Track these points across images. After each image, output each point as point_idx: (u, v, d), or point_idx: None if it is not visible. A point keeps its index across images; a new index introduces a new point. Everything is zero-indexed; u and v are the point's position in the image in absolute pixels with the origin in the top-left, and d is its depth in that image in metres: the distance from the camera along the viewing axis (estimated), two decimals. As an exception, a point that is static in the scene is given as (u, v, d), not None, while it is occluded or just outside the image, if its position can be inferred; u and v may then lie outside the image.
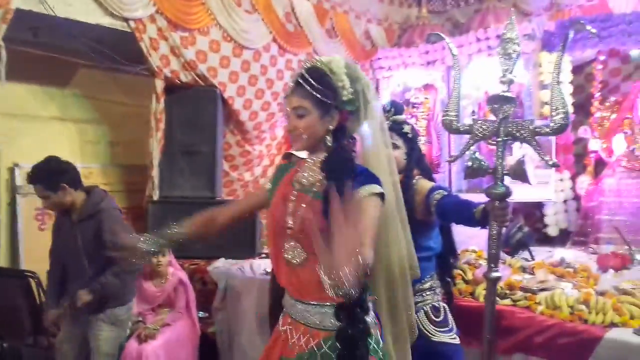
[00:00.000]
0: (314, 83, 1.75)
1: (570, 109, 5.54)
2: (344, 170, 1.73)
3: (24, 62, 3.98)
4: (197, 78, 4.84)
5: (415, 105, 6.22)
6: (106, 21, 4.16)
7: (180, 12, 4.59)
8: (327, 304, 1.74)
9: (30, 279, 3.61)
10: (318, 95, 1.75)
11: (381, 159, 1.91)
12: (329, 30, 6.11)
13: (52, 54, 4.23)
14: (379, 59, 6.54)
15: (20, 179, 4.42)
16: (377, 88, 6.57)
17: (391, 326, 1.98)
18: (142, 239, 2.00)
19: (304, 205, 1.78)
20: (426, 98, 6.26)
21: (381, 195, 1.72)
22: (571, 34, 2.32)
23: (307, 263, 1.76)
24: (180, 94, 4.84)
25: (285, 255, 1.81)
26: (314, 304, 1.78)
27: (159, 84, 4.58)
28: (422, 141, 6.01)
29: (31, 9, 3.73)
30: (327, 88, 1.76)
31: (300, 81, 1.77)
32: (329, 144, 1.80)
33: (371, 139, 1.90)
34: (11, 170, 4.56)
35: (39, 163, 3.08)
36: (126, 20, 4.26)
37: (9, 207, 4.61)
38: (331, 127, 1.80)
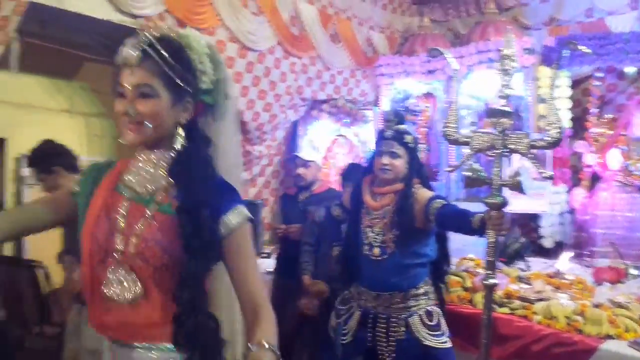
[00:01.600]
0: (169, 58, 1.33)
1: (569, 124, 5.65)
2: (202, 179, 1.36)
3: (33, 54, 4.00)
4: (202, 77, 4.86)
5: (415, 113, 6.30)
6: (116, 17, 4.18)
7: (188, 11, 4.63)
8: (159, 345, 1.35)
9: (37, 269, 3.62)
10: (173, 75, 1.33)
11: (233, 167, 1.52)
12: (333, 35, 6.19)
13: (60, 47, 4.25)
14: (380, 66, 6.60)
15: (26, 169, 4.44)
16: (378, 95, 6.65)
17: None
18: None
19: (147, 221, 1.34)
20: (426, 106, 6.34)
21: (250, 219, 1.41)
22: (565, 53, 2.41)
23: (142, 299, 1.32)
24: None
25: (107, 291, 1.33)
26: (140, 348, 1.35)
27: (165, 82, 4.61)
28: (421, 149, 6.08)
29: (43, 2, 3.75)
30: (184, 68, 1.36)
31: (150, 51, 1.31)
32: (181, 140, 1.38)
33: (224, 139, 1.49)
34: (17, 161, 4.58)
35: (35, 146, 3.04)
36: (135, 17, 4.29)
37: (15, 197, 4.63)
38: (182, 120, 1.39)
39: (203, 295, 1.34)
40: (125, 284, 1.32)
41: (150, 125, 1.33)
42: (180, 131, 1.38)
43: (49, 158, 3.01)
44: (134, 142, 1.35)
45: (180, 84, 1.35)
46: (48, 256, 3.56)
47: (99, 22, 4.12)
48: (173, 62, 1.33)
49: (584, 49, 2.36)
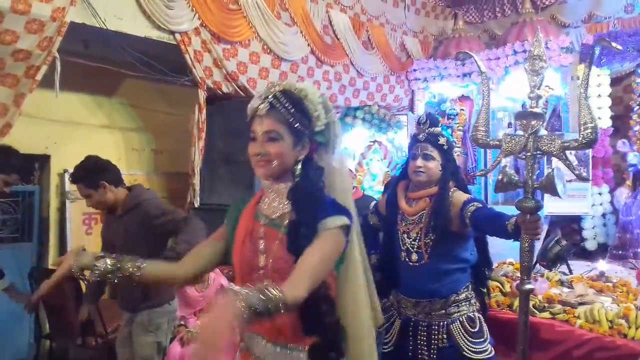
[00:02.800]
0: (291, 109, 1.61)
1: (609, 122, 5.52)
2: (312, 201, 1.61)
3: (74, 73, 4.13)
4: (237, 89, 4.96)
5: (451, 117, 6.26)
6: (154, 34, 4.30)
7: (223, 25, 4.72)
8: (294, 347, 1.62)
9: (81, 281, 3.72)
10: (294, 122, 1.61)
11: (347, 195, 1.75)
12: (365, 42, 6.21)
13: (101, 65, 4.38)
14: (414, 70, 6.61)
15: (69, 184, 4.58)
16: (412, 99, 6.64)
17: None
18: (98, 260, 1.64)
19: (277, 242, 1.62)
20: (462, 109, 6.30)
21: (346, 228, 1.60)
22: (597, 51, 2.34)
23: None
24: (221, 104, 4.98)
25: None
26: (281, 345, 1.63)
27: (202, 95, 4.72)
28: (458, 153, 6.04)
29: (84, 22, 3.88)
30: (303, 115, 1.64)
31: (276, 104, 1.61)
32: (298, 174, 1.66)
33: (336, 174, 1.74)
34: (61, 176, 4.74)
35: (79, 163, 3.10)
36: (172, 33, 4.40)
37: (59, 211, 4.78)
38: (301, 157, 1.66)
39: (328, 295, 1.59)
40: None
41: (276, 162, 1.61)
42: (299, 166, 1.66)
43: (95, 174, 3.05)
44: (264, 176, 1.66)
45: (300, 129, 1.63)
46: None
47: (138, 40, 4.25)
48: (295, 111, 1.62)
49: (616, 46, 2.30)
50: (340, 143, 1.77)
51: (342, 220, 1.59)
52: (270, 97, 1.62)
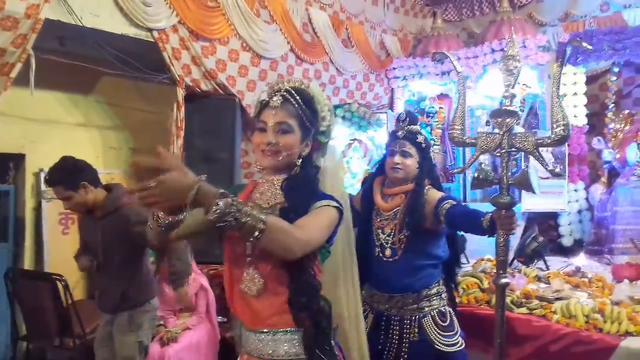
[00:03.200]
0: (303, 104, 1.70)
1: (584, 120, 5.60)
2: (306, 192, 1.67)
3: (50, 70, 4.07)
4: (216, 87, 4.93)
5: (430, 115, 6.29)
6: (131, 31, 4.24)
7: (201, 22, 4.69)
8: (280, 330, 1.66)
9: (57, 282, 3.67)
10: (305, 118, 1.70)
11: (335, 185, 1.84)
12: (345, 40, 6.21)
13: (77, 63, 4.32)
14: (394, 68, 6.63)
15: (45, 184, 4.50)
16: (392, 97, 6.66)
17: None
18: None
19: None
20: (441, 107, 6.33)
21: (339, 210, 1.67)
22: (568, 50, 2.41)
23: (263, 292, 1.65)
24: (200, 102, 4.93)
25: (242, 286, 1.68)
26: (266, 332, 1.67)
27: (180, 93, 4.67)
28: (436, 150, 6.08)
29: (60, 19, 3.82)
30: (312, 113, 1.73)
31: (289, 98, 1.69)
32: (296, 168, 1.72)
33: (328, 176, 1.83)
34: (36, 176, 4.66)
35: (55, 165, 3.03)
36: (150, 30, 4.35)
37: (34, 211, 4.71)
38: (303, 154, 1.73)
39: (314, 283, 1.66)
40: (253, 281, 1.66)
41: (285, 154, 1.68)
42: (298, 162, 1.73)
43: (74, 174, 3.00)
44: (269, 166, 1.72)
45: (309, 125, 1.71)
46: (67, 269, 3.60)
47: (115, 37, 4.19)
48: (306, 108, 1.70)
49: (586, 46, 2.34)
50: (331, 147, 1.86)
51: (334, 203, 1.66)
52: (283, 90, 1.69)
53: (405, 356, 2.61)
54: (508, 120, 2.26)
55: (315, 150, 1.79)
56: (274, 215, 1.56)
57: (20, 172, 4.72)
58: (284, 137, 1.67)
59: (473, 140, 2.40)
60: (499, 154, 2.31)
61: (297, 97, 1.69)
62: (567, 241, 5.40)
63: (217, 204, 1.38)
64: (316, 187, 1.73)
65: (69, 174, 3.00)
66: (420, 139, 2.69)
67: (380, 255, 2.68)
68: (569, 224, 5.42)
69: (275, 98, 1.69)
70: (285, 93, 1.69)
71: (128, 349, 3.15)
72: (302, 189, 1.68)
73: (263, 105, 1.71)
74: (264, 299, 1.66)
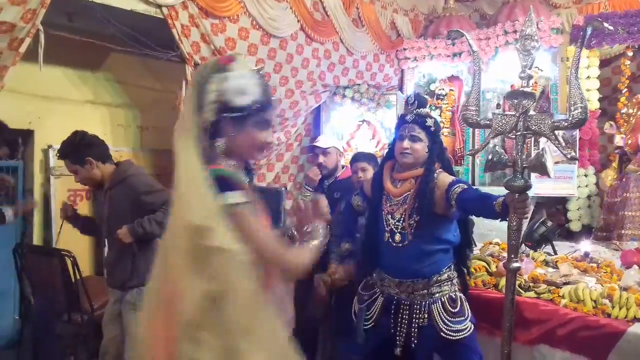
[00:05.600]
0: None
1: (597, 104, 5.53)
2: None
3: (58, 46, 4.05)
4: (226, 65, 4.88)
5: (440, 97, 6.23)
6: (140, 7, 4.20)
7: (211, -1, 4.64)
8: None
9: (66, 258, 3.69)
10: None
11: None
12: (355, 19, 6.12)
13: (86, 39, 4.29)
14: (404, 49, 6.54)
15: (53, 160, 4.52)
16: (401, 79, 6.59)
17: None
18: None
19: None
20: (451, 90, 6.26)
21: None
22: (588, 31, 2.34)
23: None
24: (209, 80, 4.89)
25: None
26: None
27: (189, 70, 4.64)
28: (446, 133, 6.03)
29: (69, -6, 3.80)
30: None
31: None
32: None
33: None
34: (45, 152, 4.67)
35: (66, 138, 3.09)
36: (159, 6, 4.31)
37: (43, 187, 4.72)
38: None
39: None
40: None
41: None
42: None
43: (80, 149, 3.04)
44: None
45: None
46: (75, 245, 3.61)
47: (124, 13, 4.15)
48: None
49: (607, 26, 2.29)
50: None
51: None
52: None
53: (415, 341, 2.60)
54: (524, 102, 2.21)
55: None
56: None
57: (28, 148, 4.73)
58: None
59: (488, 122, 2.36)
60: (513, 137, 2.28)
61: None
62: (575, 226, 5.36)
63: None
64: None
65: (75, 149, 3.05)
66: (429, 122, 2.66)
67: (390, 240, 2.66)
68: (577, 209, 5.38)
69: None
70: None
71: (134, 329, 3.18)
72: None
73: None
74: None
